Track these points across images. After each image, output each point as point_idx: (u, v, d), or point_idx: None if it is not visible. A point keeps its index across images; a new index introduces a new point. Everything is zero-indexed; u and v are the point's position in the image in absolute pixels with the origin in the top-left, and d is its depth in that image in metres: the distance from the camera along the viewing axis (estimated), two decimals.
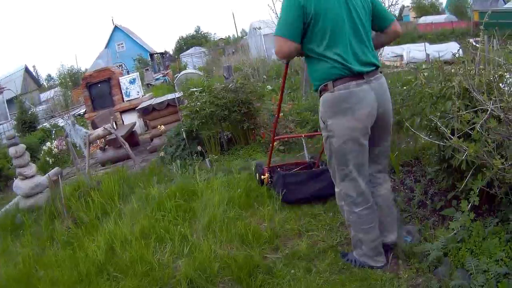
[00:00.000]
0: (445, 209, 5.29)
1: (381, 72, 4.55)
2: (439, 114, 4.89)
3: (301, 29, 4.25)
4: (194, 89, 11.91)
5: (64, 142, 15.72)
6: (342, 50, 4.22)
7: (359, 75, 4.25)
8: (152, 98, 17.24)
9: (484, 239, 4.39)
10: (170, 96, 14.53)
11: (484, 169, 4.32)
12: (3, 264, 6.83)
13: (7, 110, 31.61)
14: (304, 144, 7.69)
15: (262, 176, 7.19)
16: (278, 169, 7.26)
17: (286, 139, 9.54)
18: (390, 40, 4.96)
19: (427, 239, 4.94)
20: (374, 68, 4.39)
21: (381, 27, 4.68)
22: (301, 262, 5.12)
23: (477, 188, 4.45)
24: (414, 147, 7.39)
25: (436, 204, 5.54)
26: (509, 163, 4.03)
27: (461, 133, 4.34)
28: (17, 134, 17.22)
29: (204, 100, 9.93)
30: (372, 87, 4.30)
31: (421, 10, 69.07)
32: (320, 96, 4.51)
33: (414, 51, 29.54)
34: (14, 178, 14.34)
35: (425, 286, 4.29)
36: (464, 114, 4.30)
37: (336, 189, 4.82)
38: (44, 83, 72.27)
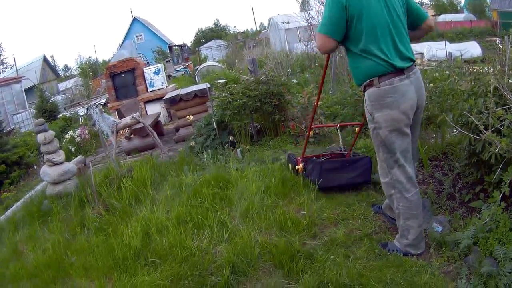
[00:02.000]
0: (473, 201, 5.50)
1: (415, 66, 4.74)
2: (475, 110, 4.99)
3: (343, 27, 4.50)
4: (220, 81, 11.92)
5: (87, 131, 15.75)
6: (385, 47, 4.47)
7: (400, 71, 4.50)
8: (176, 89, 17.26)
9: (510, 229, 4.55)
10: (197, 87, 14.54)
11: None
12: (31, 250, 6.83)
13: (26, 99, 31.70)
14: (339, 133, 7.80)
15: (296, 166, 7.24)
16: (314, 157, 7.29)
17: (319, 130, 9.49)
18: (424, 35, 5.23)
19: (457, 229, 5.11)
20: (411, 63, 4.64)
21: (416, 23, 4.92)
22: (339, 249, 5.22)
23: (508, 179, 4.59)
24: (441, 142, 7.43)
25: (465, 197, 5.72)
26: None
27: (493, 128, 4.62)
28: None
29: (236, 91, 9.92)
30: (412, 81, 4.57)
31: (440, 8, 68.74)
32: (364, 91, 4.75)
33: (434, 49, 29.43)
34: (35, 166, 14.47)
35: (456, 273, 4.47)
36: (497, 111, 4.49)
37: (385, 179, 4.94)
38: (61, 73, 72.43)
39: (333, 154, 7.68)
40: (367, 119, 4.89)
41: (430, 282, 4.29)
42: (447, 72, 8.27)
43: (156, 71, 18.24)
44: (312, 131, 9.23)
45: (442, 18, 57.73)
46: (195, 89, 13.86)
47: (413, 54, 4.73)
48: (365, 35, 4.45)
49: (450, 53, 23.32)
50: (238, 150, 9.22)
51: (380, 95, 4.53)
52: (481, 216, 4.86)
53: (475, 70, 5.70)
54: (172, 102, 13.60)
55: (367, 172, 6.74)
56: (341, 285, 4.48)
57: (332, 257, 5.04)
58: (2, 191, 12.50)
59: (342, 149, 7.61)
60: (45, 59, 52.54)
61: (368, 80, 4.59)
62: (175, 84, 21.49)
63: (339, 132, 7.82)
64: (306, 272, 4.81)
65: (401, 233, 4.94)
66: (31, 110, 25.96)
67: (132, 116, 11.44)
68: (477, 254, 4.51)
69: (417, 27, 4.94)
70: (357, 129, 6.88)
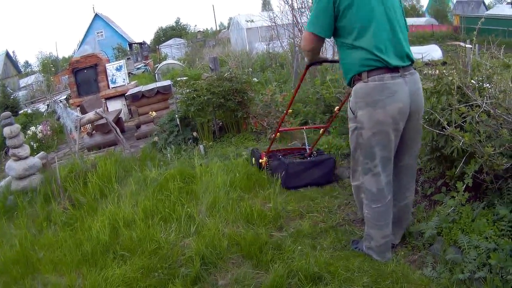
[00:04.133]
0: (435, 194, 5.66)
1: (415, 68, 4.46)
2: (439, 107, 5.20)
3: (331, 23, 4.21)
4: (180, 78, 12.02)
5: (49, 127, 15.68)
6: (380, 40, 4.11)
7: (395, 68, 4.14)
8: (137, 86, 17.26)
9: (473, 220, 4.73)
10: (160, 84, 14.59)
11: (476, 156, 4.66)
12: None
13: None
14: (305, 135, 7.89)
15: (260, 160, 7.51)
16: (280, 155, 7.59)
17: (285, 130, 9.67)
18: None
19: (420, 221, 5.26)
20: (410, 63, 4.32)
21: None
22: (306, 240, 5.38)
23: (471, 172, 4.75)
24: None
25: (427, 190, 5.89)
26: (498, 151, 4.42)
27: (456, 125, 4.76)
28: None
29: (201, 87, 10.01)
30: (407, 82, 4.21)
31: None
32: (352, 87, 4.40)
33: None
34: None
35: (421, 262, 4.66)
36: (460, 108, 4.68)
37: (356, 183, 4.79)
38: (22, 69, 71.51)
39: (296, 149, 8.04)
40: (348, 117, 4.59)
41: (396, 270, 4.45)
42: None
43: (119, 67, 18.23)
44: (273, 128, 9.41)
45: None
46: (157, 86, 13.94)
47: (412, 54, 4.43)
48: (358, 27, 4.13)
49: None
50: (201, 146, 9.33)
51: (367, 91, 4.18)
52: (445, 206, 5.08)
53: (437, 71, 5.86)
54: (134, 99, 13.66)
55: (330, 173, 7.11)
56: (310, 274, 4.61)
57: (299, 247, 5.18)
58: None
59: (307, 146, 7.69)
60: (7, 54, 51.87)
61: (357, 74, 4.26)
62: (136, 81, 21.47)
63: (305, 134, 7.90)
64: (275, 262, 4.94)
65: (364, 237, 4.86)
66: None
67: (96, 112, 11.45)
68: (441, 243, 4.70)
69: None
70: (321, 130, 7.29)
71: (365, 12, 4.09)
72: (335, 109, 6.87)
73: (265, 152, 7.72)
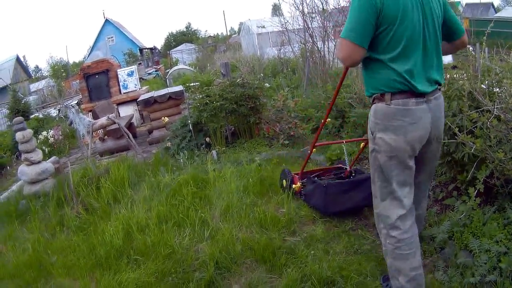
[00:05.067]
0: (446, 199, 5.68)
1: (440, 90, 4.10)
2: (450, 113, 5.19)
3: (372, 33, 3.75)
4: (193, 84, 12.05)
5: (60, 131, 15.72)
6: (412, 64, 3.76)
7: (420, 94, 3.79)
8: (148, 92, 17.30)
9: (484, 224, 4.75)
10: (172, 89, 14.62)
11: (487, 161, 4.71)
12: (11, 249, 6.85)
13: None
14: (345, 151, 6.99)
15: (294, 185, 6.57)
16: (314, 177, 6.68)
17: (293, 132, 9.65)
18: (455, 51, 4.61)
19: (432, 225, 5.30)
20: (436, 86, 3.97)
21: (451, 37, 4.23)
22: (319, 244, 5.42)
23: (482, 177, 4.78)
24: None
25: (438, 195, 5.92)
26: (509, 156, 4.45)
27: (467, 130, 4.80)
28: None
29: (213, 93, 10.06)
30: (430, 107, 3.88)
31: None
32: (372, 104, 4.07)
33: None
34: (8, 167, 14.41)
35: (433, 266, 4.71)
36: (471, 114, 4.70)
37: (376, 210, 4.27)
38: (32, 74, 71.72)
39: (331, 169, 7.13)
40: (368, 136, 4.21)
41: None
42: None
43: (130, 73, 18.24)
44: (285, 134, 9.37)
45: None
46: (169, 91, 13.96)
47: (443, 75, 4.11)
48: (394, 45, 3.68)
49: None
50: (214, 152, 9.34)
51: (388, 114, 3.84)
52: (457, 210, 5.12)
53: (448, 75, 5.85)
54: (147, 104, 13.67)
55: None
56: (323, 278, 4.66)
57: (312, 252, 5.23)
58: None
59: (346, 165, 6.82)
60: (18, 59, 52.02)
61: (379, 93, 3.91)
62: (147, 86, 21.51)
63: (345, 149, 7.01)
64: (289, 266, 5.00)
65: (391, 275, 4.21)
66: (3, 110, 25.76)
67: (108, 117, 11.51)
68: (452, 248, 4.72)
69: (450, 41, 4.24)
70: (362, 144, 6.39)
71: (406, 30, 3.71)
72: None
73: (297, 174, 6.83)
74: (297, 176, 6.72)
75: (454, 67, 8.79)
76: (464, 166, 5.30)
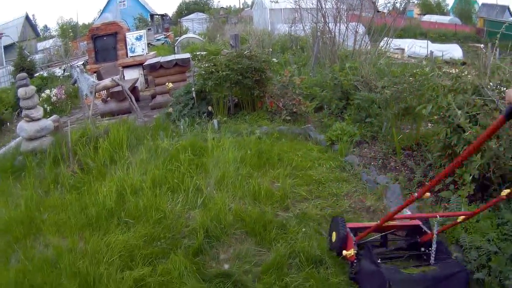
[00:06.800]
0: (442, 191, 5.65)
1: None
2: (455, 104, 5.27)
3: None
4: (199, 53, 11.99)
5: (63, 91, 15.65)
6: None
7: None
8: (155, 57, 17.21)
9: (477, 221, 4.74)
10: (179, 56, 14.53)
11: (485, 153, 4.80)
12: (3, 205, 6.84)
13: (3, 56, 31.34)
14: (436, 227, 4.29)
15: (345, 252, 4.67)
16: (372, 248, 4.69)
17: (296, 109, 9.54)
18: None
19: None
20: None
21: None
22: (311, 223, 5.42)
23: (477, 164, 4.86)
24: (416, 133, 7.56)
25: (434, 186, 5.77)
26: (503, 147, 4.59)
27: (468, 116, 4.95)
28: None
29: (220, 62, 9.98)
30: None
31: (426, 8, 68.19)
32: None
33: (417, 47, 29.47)
34: (8, 123, 14.37)
35: None
36: (476, 99, 4.76)
37: None
38: (41, 33, 71.54)
39: (401, 227, 4.96)
40: None
41: None
42: (427, 69, 8.44)
43: (139, 37, 18.17)
44: (288, 109, 9.28)
45: (427, 18, 57.58)
46: (176, 58, 13.86)
47: None
48: None
49: (431, 52, 23.43)
50: (215, 121, 9.28)
51: None
52: (460, 193, 5.14)
53: (456, 70, 5.90)
54: (152, 69, 13.58)
55: None
56: (312, 256, 4.67)
57: (304, 229, 5.22)
58: None
59: (431, 230, 4.67)
60: (27, 18, 51.85)
61: None
62: (155, 52, 21.41)
63: (436, 225, 4.29)
64: (278, 241, 4.99)
65: None
66: (9, 67, 25.69)
67: (112, 79, 11.44)
68: (443, 241, 4.63)
69: None
70: (462, 217, 4.28)
71: None
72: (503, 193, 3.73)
73: (354, 227, 4.96)
74: (352, 238, 4.71)
75: (463, 63, 8.77)
76: (464, 160, 5.21)
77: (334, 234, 4.89)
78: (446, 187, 5.67)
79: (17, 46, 25.82)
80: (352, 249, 4.54)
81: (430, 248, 4.43)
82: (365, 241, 4.72)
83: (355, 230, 4.81)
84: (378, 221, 4.38)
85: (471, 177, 4.92)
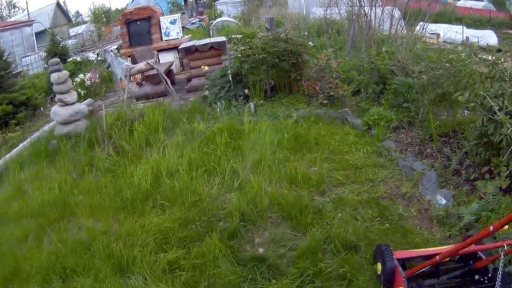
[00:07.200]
0: (478, 180, 5.56)
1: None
2: (491, 92, 5.21)
3: None
4: (235, 36, 11.91)
5: (97, 75, 15.68)
6: None
7: None
8: (190, 40, 17.15)
9: None
10: (214, 39, 14.45)
11: None
12: (37, 188, 6.85)
13: (35, 42, 31.64)
14: (502, 260, 3.59)
15: None
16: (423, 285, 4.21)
17: (334, 92, 9.40)
18: None
19: (460, 204, 5.23)
20: None
21: None
22: (347, 208, 5.36)
23: None
24: (452, 120, 7.40)
25: (470, 175, 5.80)
26: None
27: (507, 110, 4.83)
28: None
29: (256, 45, 9.88)
30: None
31: None
32: None
33: (452, 32, 29.16)
34: (41, 108, 14.44)
35: None
36: None
37: None
38: (73, 19, 72.18)
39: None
40: None
41: None
42: (463, 54, 8.30)
43: (173, 21, 18.12)
44: (325, 93, 9.15)
45: (462, 3, 56.91)
46: (211, 41, 13.80)
47: None
48: None
49: (467, 38, 23.14)
50: (252, 104, 9.20)
51: None
52: (487, 193, 5.03)
53: (492, 57, 5.77)
54: (188, 52, 13.53)
55: None
56: (347, 242, 4.63)
57: (340, 215, 5.18)
58: (7, 131, 12.43)
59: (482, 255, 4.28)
60: (58, 4, 52.30)
61: None
62: (190, 35, 21.37)
63: (502, 258, 3.55)
64: (314, 226, 4.94)
65: None
66: (41, 53, 25.84)
67: (147, 62, 11.41)
68: (477, 231, 4.55)
69: None
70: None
71: None
72: None
73: (402, 258, 4.41)
74: (401, 272, 4.16)
75: (499, 50, 8.57)
76: (500, 150, 5.21)
77: (379, 265, 4.38)
78: (481, 176, 5.57)
79: (49, 32, 25.98)
80: None
81: (486, 276, 4.08)
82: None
83: (403, 261, 4.37)
84: (433, 252, 4.09)
85: (508, 171, 4.85)
